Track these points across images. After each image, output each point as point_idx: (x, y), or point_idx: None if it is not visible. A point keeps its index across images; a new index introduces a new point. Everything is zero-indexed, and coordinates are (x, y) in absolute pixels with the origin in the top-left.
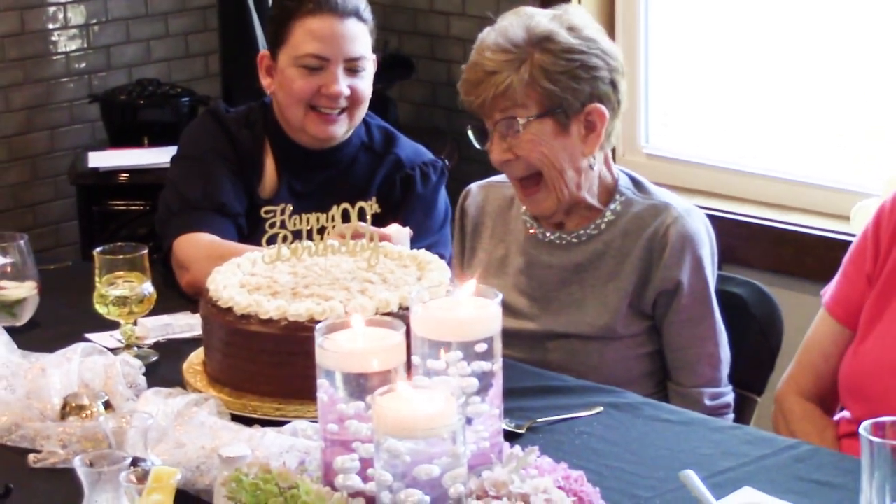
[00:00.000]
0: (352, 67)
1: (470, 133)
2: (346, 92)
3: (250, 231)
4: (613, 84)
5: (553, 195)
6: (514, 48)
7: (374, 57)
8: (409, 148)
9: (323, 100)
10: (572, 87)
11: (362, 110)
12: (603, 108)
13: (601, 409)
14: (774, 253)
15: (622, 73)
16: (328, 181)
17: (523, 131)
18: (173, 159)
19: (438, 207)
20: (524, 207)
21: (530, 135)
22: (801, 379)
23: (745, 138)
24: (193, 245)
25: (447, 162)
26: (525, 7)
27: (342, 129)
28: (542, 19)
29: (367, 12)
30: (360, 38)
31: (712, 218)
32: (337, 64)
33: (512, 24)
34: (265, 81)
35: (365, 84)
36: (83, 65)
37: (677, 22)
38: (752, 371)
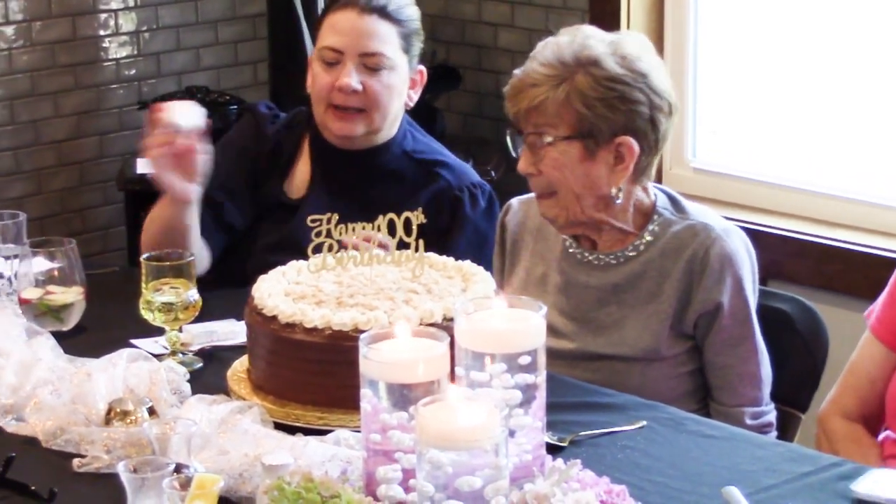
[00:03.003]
0: (367, 64)
1: (508, 139)
2: (357, 87)
3: (277, 230)
4: (653, 121)
5: (562, 211)
6: (560, 65)
7: (413, 66)
8: (457, 168)
9: (337, 95)
10: (606, 116)
11: (384, 112)
12: (634, 142)
13: (644, 423)
14: (820, 269)
15: (668, 113)
16: (367, 185)
17: (549, 149)
18: None
19: (492, 240)
20: None
21: (556, 153)
22: (845, 401)
23: (792, 153)
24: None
25: (493, 173)
26: (587, 27)
27: (359, 129)
28: (597, 43)
29: (400, 13)
30: (380, 35)
31: (758, 233)
32: (351, 58)
33: (567, 42)
34: (308, 82)
35: (384, 83)
36: (133, 71)
37: (726, 37)
38: (797, 388)
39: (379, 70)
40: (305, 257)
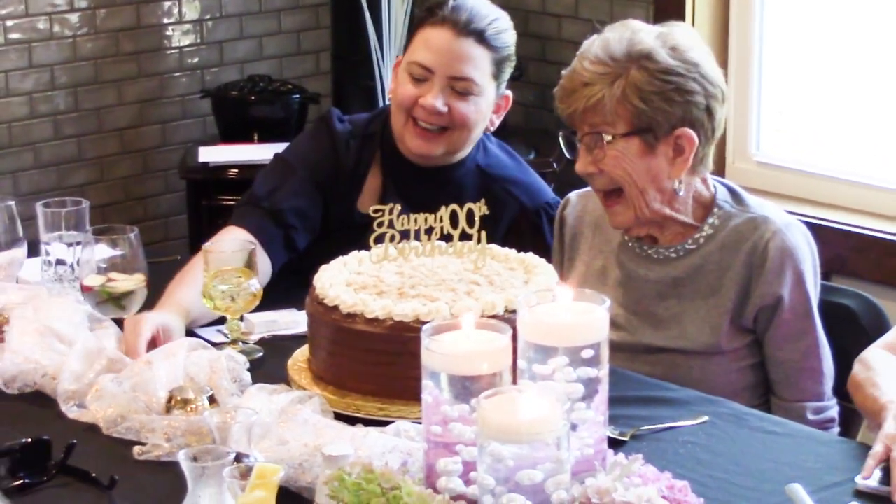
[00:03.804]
0: (456, 87)
1: (560, 141)
2: (442, 109)
3: (346, 246)
4: (709, 111)
5: (631, 211)
6: (611, 62)
7: (500, 91)
8: (529, 185)
9: (419, 111)
10: (664, 109)
11: (465, 136)
12: (693, 133)
13: (706, 418)
14: (884, 264)
15: (721, 100)
16: (439, 201)
17: (608, 148)
18: (274, 155)
19: None
20: None
21: (615, 151)
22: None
23: (856, 147)
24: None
25: (555, 165)
26: (633, 21)
27: (438, 149)
28: (646, 36)
29: (497, 40)
30: (474, 60)
31: (821, 228)
32: (440, 78)
33: (615, 38)
34: (392, 86)
35: (470, 109)
36: (196, 60)
37: (791, 30)
38: None
39: (466, 95)
40: None
